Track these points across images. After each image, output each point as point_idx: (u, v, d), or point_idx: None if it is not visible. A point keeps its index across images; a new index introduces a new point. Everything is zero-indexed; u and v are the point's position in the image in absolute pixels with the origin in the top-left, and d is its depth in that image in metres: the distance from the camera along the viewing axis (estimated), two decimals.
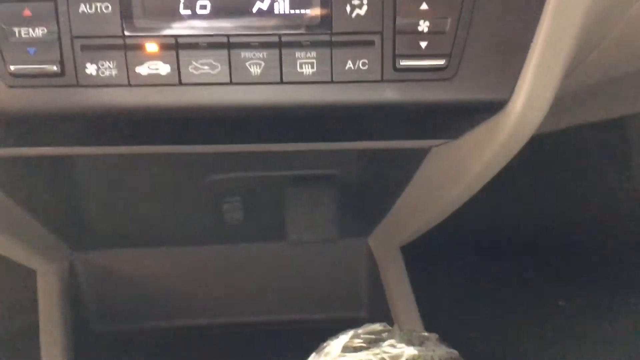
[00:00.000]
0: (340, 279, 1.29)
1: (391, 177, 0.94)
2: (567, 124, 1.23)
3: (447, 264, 1.40)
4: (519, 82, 0.63)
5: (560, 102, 0.69)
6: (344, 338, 0.56)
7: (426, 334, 0.57)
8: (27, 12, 0.58)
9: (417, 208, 0.98)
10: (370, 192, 1.03)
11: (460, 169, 0.79)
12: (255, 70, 0.61)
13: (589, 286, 1.39)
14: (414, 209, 0.99)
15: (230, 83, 0.61)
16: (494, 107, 0.65)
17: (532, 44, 0.61)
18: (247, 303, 1.29)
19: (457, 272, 1.40)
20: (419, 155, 0.84)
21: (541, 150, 1.33)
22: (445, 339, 0.62)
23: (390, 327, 0.56)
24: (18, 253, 1.06)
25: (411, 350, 0.52)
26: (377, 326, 0.56)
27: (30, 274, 1.17)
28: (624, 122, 1.51)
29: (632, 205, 1.54)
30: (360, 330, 0.55)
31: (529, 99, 0.63)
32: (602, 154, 1.56)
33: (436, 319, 1.15)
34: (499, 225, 1.47)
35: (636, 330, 1.28)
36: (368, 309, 1.30)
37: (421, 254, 1.23)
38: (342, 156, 0.96)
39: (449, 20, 0.60)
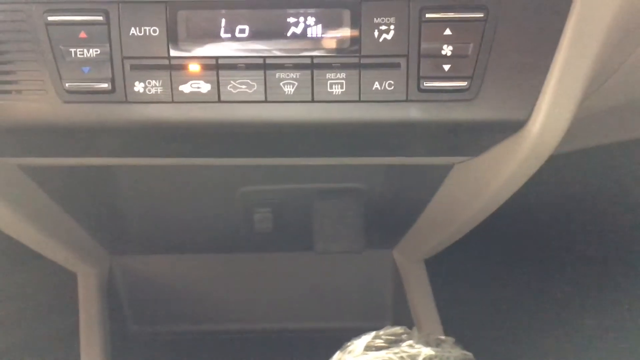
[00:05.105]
0: (365, 289, 1.32)
1: (415, 191, 0.97)
2: (587, 144, 1.23)
3: (471, 276, 1.41)
4: (538, 103, 0.66)
5: (580, 124, 0.71)
6: (366, 338, 0.60)
7: (443, 337, 0.61)
8: (82, 35, 0.64)
9: (440, 222, 1.01)
10: (395, 205, 1.06)
11: (481, 185, 0.82)
12: (288, 89, 0.65)
13: (615, 301, 1.38)
14: (437, 223, 1.02)
15: (265, 101, 0.65)
16: (514, 127, 0.68)
17: (552, 66, 0.64)
18: (275, 310, 1.32)
19: (481, 284, 1.41)
20: (442, 172, 0.87)
21: (568, 164, 1.34)
22: (466, 347, 0.65)
23: (409, 330, 0.60)
24: (61, 256, 1.12)
25: (428, 351, 0.55)
26: (397, 329, 0.59)
27: (70, 277, 1.23)
28: None
29: None
30: (381, 332, 0.59)
31: (548, 120, 0.66)
32: (629, 168, 1.55)
33: (458, 332, 1.17)
34: (523, 237, 1.47)
35: None
36: (392, 319, 1.32)
37: (445, 266, 1.25)
38: (368, 171, 0.99)
39: (471, 44, 0.63)
